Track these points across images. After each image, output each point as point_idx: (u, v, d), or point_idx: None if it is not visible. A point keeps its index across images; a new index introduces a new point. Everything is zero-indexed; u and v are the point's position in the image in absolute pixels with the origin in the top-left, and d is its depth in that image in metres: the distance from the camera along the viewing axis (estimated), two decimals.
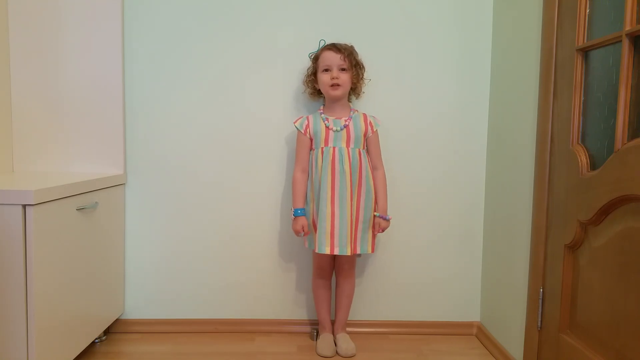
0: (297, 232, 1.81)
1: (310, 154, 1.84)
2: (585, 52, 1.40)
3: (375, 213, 1.82)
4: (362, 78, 1.86)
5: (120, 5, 1.89)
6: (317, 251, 1.76)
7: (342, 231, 1.75)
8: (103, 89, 1.91)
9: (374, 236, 1.83)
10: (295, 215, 1.80)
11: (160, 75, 1.96)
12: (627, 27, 1.21)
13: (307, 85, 1.89)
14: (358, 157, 1.78)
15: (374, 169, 1.85)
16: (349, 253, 1.76)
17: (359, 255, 2.03)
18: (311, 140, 1.83)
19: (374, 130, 1.84)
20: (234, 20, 1.96)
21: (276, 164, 2.01)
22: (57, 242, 1.49)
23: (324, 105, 1.88)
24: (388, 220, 1.83)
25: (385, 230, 1.86)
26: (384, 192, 1.85)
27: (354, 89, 1.87)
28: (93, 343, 1.91)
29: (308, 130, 1.82)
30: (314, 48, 1.88)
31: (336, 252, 1.75)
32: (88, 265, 1.70)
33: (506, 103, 1.86)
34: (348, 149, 1.78)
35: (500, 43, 1.92)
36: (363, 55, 1.89)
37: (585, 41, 1.39)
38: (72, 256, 1.59)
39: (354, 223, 1.78)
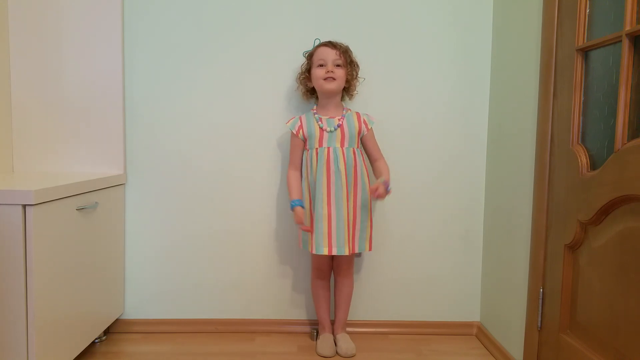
0: (299, 223, 1.78)
1: (304, 154, 1.84)
2: (585, 52, 1.40)
3: (380, 179, 1.72)
4: (356, 77, 1.85)
5: (120, 6, 1.89)
6: (314, 252, 1.76)
7: (339, 231, 1.75)
8: (103, 89, 1.91)
9: (371, 235, 1.83)
10: (293, 206, 1.79)
11: (160, 75, 1.96)
12: (627, 27, 1.21)
13: (300, 82, 1.88)
14: (353, 157, 1.78)
15: (375, 160, 1.85)
16: (347, 253, 1.76)
17: (359, 255, 2.04)
18: (305, 141, 1.83)
19: (369, 128, 1.84)
20: (232, 21, 1.96)
21: (275, 164, 2.01)
22: (57, 242, 1.49)
23: (317, 104, 1.88)
24: (388, 192, 1.71)
25: (383, 200, 1.81)
26: (388, 172, 1.82)
27: (348, 89, 1.86)
28: (93, 343, 1.91)
29: (301, 131, 1.81)
30: (311, 47, 1.88)
31: (334, 252, 1.75)
32: (88, 265, 1.70)
33: (506, 103, 1.86)
34: (342, 149, 1.78)
35: (500, 43, 1.92)
36: (361, 56, 1.89)
37: (585, 41, 1.39)
38: (72, 256, 1.59)
39: (351, 222, 1.78)
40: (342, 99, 1.90)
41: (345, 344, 1.85)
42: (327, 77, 1.75)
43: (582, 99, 1.40)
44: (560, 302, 1.46)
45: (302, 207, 1.80)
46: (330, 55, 1.77)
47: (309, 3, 1.96)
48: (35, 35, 1.88)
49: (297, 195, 1.82)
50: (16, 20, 1.87)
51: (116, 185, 1.89)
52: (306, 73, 1.85)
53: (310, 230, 1.78)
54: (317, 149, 1.79)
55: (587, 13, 1.39)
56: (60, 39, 1.89)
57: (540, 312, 1.57)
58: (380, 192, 1.67)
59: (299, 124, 1.82)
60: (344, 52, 1.79)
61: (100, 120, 1.92)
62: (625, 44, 1.20)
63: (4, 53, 1.86)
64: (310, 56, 1.84)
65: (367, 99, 1.98)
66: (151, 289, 2.04)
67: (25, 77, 1.89)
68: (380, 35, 1.98)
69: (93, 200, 1.71)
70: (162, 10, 1.94)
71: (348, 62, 1.80)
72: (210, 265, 2.04)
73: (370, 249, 1.84)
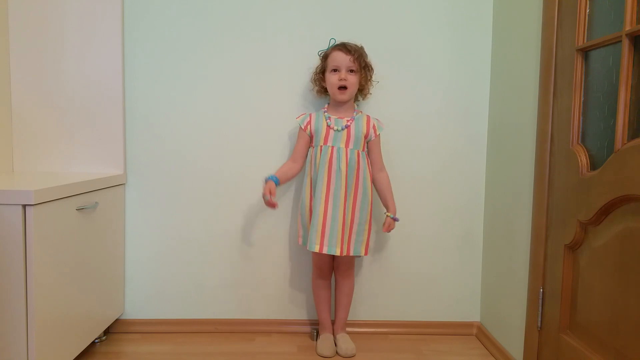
0: (264, 195, 1.75)
1: (309, 150, 1.84)
2: (585, 52, 1.40)
3: (388, 214, 1.82)
4: (370, 80, 1.85)
5: (120, 5, 1.89)
6: (308, 248, 1.77)
7: (332, 231, 1.75)
8: (103, 89, 1.90)
9: (368, 239, 1.83)
10: (268, 179, 1.77)
11: (160, 75, 1.96)
12: (627, 27, 1.21)
13: (315, 83, 1.88)
14: (356, 159, 1.78)
15: (379, 171, 1.85)
16: (338, 253, 1.76)
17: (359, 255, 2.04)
18: (311, 137, 1.83)
19: (377, 133, 1.84)
20: (234, 19, 1.96)
21: (276, 164, 2.01)
22: (57, 242, 1.49)
23: (328, 104, 1.88)
24: (397, 221, 1.84)
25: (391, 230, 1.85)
26: (391, 192, 1.86)
27: (361, 90, 1.87)
28: (93, 343, 1.91)
29: (309, 127, 1.82)
30: (316, 47, 1.89)
31: (325, 250, 1.75)
32: (88, 265, 1.70)
33: (506, 103, 1.86)
34: (346, 150, 1.78)
35: (500, 43, 1.92)
36: None
37: (585, 41, 1.39)
38: (72, 256, 1.59)
39: (347, 224, 1.77)
40: (355, 99, 1.90)
41: (345, 344, 1.85)
42: (340, 85, 1.76)
43: (582, 99, 1.40)
44: (560, 302, 1.46)
45: (276, 184, 1.77)
46: (344, 61, 1.76)
47: (309, 3, 1.96)
48: (35, 35, 1.88)
49: (279, 173, 1.82)
50: (16, 20, 1.87)
51: (116, 185, 1.89)
52: (320, 74, 1.85)
53: (273, 205, 1.74)
54: (321, 146, 1.79)
55: (587, 13, 1.39)
56: (60, 38, 1.88)
57: (540, 312, 1.57)
58: (392, 227, 1.83)
59: (308, 119, 1.83)
60: (358, 58, 1.78)
61: (100, 120, 1.92)
62: (625, 44, 1.20)
63: (4, 53, 1.86)
64: (325, 58, 1.83)
65: (367, 98, 1.98)
66: (151, 289, 2.04)
67: (25, 77, 1.89)
68: (380, 35, 1.98)
69: (93, 200, 1.71)
70: (162, 9, 1.94)
71: (362, 66, 1.80)
72: (210, 265, 2.04)
73: (366, 254, 1.83)
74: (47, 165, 1.93)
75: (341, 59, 1.76)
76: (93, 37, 1.89)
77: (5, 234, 1.35)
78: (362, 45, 1.86)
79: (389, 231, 1.83)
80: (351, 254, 1.79)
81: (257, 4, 1.95)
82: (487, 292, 2.02)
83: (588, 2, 1.39)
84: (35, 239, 1.37)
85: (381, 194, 1.87)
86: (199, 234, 2.03)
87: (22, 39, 1.88)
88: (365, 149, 1.84)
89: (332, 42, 1.84)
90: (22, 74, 1.89)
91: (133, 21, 1.94)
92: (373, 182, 1.86)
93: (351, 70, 1.77)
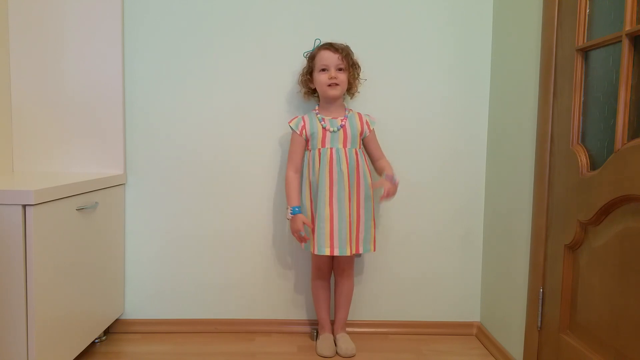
0: (296, 232, 1.77)
1: (306, 154, 1.84)
2: (585, 52, 1.40)
3: (382, 175, 1.76)
4: (358, 78, 1.86)
5: (120, 5, 1.89)
6: (316, 253, 1.76)
7: (341, 232, 1.75)
8: (103, 89, 1.91)
9: (375, 235, 1.83)
10: (293, 214, 1.78)
11: (160, 75, 1.96)
12: (627, 27, 1.21)
13: (302, 85, 1.88)
14: (355, 157, 1.78)
15: (378, 159, 1.85)
16: (348, 253, 1.76)
17: (359, 255, 2.04)
18: (307, 141, 1.82)
19: (371, 129, 1.84)
20: (235, 19, 1.96)
21: (276, 164, 2.01)
22: (57, 242, 1.49)
23: (318, 105, 1.88)
24: (395, 183, 1.72)
25: (393, 198, 1.72)
26: (390, 166, 1.81)
27: (349, 89, 1.86)
28: (93, 343, 1.91)
29: (304, 131, 1.81)
30: (311, 48, 1.88)
31: (336, 253, 1.75)
32: (88, 265, 1.70)
33: (506, 103, 1.86)
34: (345, 150, 1.78)
35: (500, 43, 1.92)
36: (362, 55, 1.89)
37: (585, 41, 1.39)
38: (72, 256, 1.59)
39: (354, 223, 1.78)
40: (344, 99, 1.90)
41: (345, 344, 1.85)
42: (330, 82, 1.75)
43: (582, 99, 1.40)
44: (560, 302, 1.46)
45: (303, 214, 1.79)
46: (333, 59, 1.76)
47: (309, 3, 1.96)
48: (35, 35, 1.88)
49: (296, 200, 1.80)
50: (16, 21, 1.87)
51: (116, 185, 1.89)
52: (308, 75, 1.84)
53: (305, 240, 1.78)
54: (319, 149, 1.79)
55: (587, 13, 1.39)
56: (60, 38, 1.88)
57: (540, 312, 1.57)
58: (388, 188, 1.69)
59: (302, 123, 1.82)
60: (346, 56, 1.78)
61: (100, 120, 1.92)
62: (625, 44, 1.20)
63: (4, 53, 1.86)
64: (311, 58, 1.83)
65: (367, 99, 1.98)
66: (151, 289, 2.04)
67: (25, 77, 1.89)
68: (380, 35, 1.98)
69: (93, 200, 1.71)
70: (162, 10, 1.94)
71: (350, 64, 1.80)
72: (210, 265, 2.04)
73: (374, 250, 1.84)
74: (47, 165, 1.93)
75: (329, 58, 1.76)
76: (93, 37, 1.89)
77: (5, 234, 1.35)
78: (361, 45, 1.86)
79: (389, 197, 1.70)
80: (360, 251, 1.79)
81: (257, 4, 1.96)
82: (487, 292, 2.02)
83: (588, 2, 1.39)
84: (35, 239, 1.37)
85: (379, 170, 1.83)
86: (199, 234, 2.03)
87: (22, 39, 1.88)
88: (361, 147, 1.84)
89: (318, 43, 1.84)
90: (22, 74, 1.89)
91: (133, 21, 1.94)
92: (375, 170, 1.85)
93: (340, 69, 1.77)
